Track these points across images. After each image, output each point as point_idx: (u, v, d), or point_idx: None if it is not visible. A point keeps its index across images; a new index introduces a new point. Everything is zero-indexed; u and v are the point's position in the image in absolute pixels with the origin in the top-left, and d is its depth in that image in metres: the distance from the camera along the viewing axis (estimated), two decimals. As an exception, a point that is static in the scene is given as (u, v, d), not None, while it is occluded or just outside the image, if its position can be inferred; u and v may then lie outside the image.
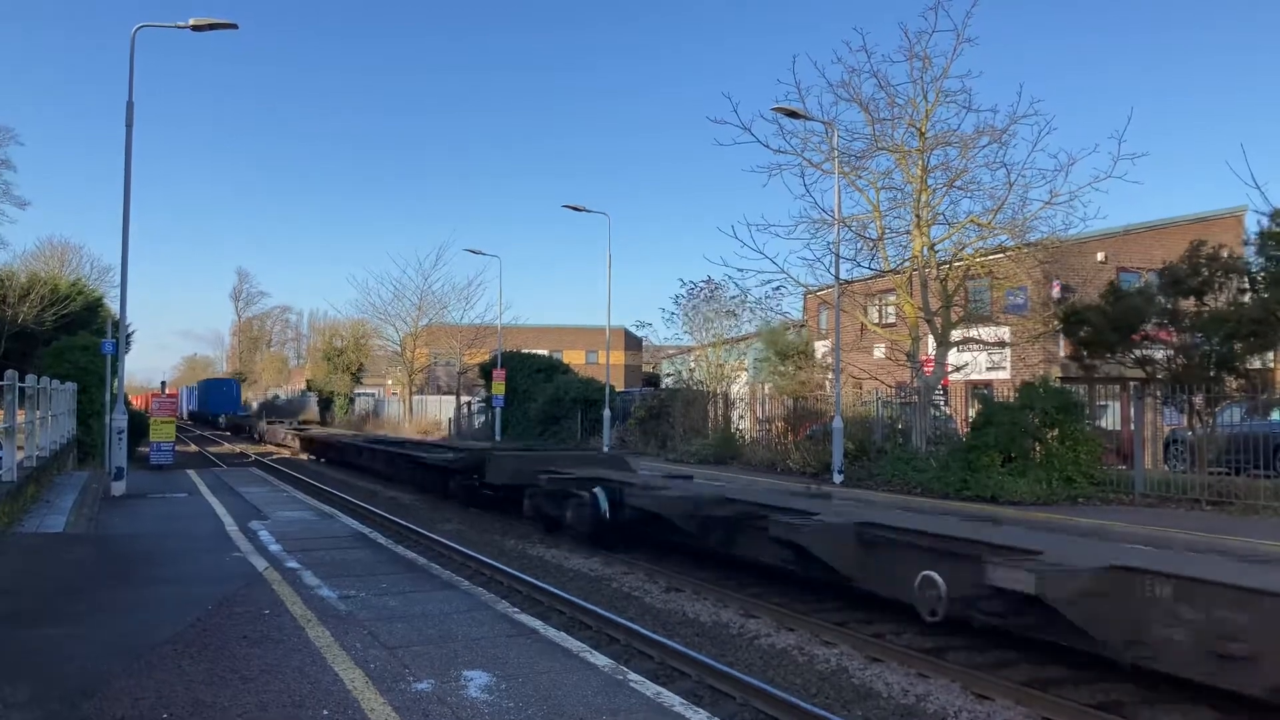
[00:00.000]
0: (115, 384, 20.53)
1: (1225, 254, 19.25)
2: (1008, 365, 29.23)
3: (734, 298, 32.84)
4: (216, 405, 70.31)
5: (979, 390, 26.82)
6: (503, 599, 9.05)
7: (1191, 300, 19.01)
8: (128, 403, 19.84)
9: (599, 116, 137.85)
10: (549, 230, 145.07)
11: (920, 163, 22.58)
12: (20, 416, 15.10)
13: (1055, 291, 28.41)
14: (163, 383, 42.04)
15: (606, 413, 33.91)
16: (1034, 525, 13.85)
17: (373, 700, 5.57)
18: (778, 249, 73.38)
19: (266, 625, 7.37)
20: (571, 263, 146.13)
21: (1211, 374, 18.68)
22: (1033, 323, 25.29)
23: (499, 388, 39.61)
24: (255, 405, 77.72)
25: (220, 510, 15.19)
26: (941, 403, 24.55)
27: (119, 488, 17.16)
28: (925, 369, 23.56)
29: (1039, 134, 22.58)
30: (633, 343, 61.51)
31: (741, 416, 32.25)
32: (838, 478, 21.54)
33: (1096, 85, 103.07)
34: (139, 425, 28.22)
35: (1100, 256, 31.04)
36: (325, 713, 5.35)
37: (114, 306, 40.46)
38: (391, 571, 9.99)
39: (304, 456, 37.03)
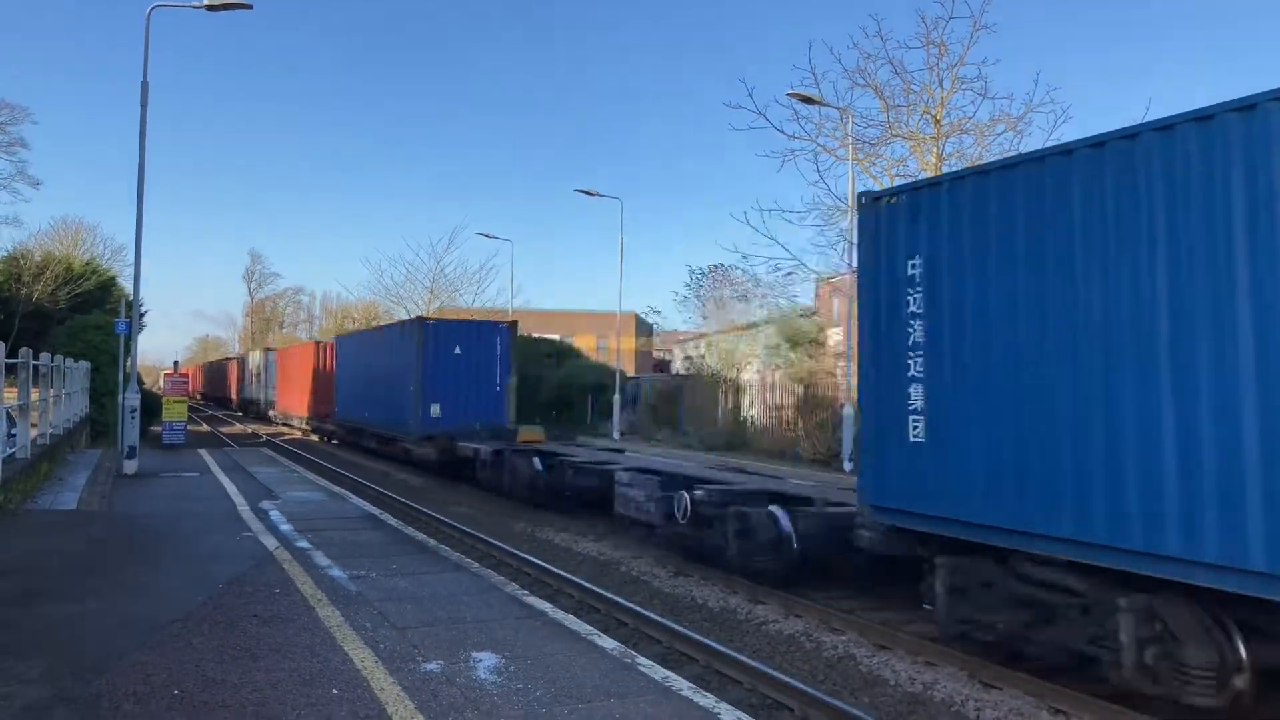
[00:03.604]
0: (128, 363, 20.63)
1: None
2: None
3: (744, 283, 32.81)
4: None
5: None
6: (512, 581, 9.08)
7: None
8: (141, 382, 19.94)
9: (613, 101, 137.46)
10: (562, 215, 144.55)
11: (935, 150, 22.47)
12: (34, 394, 15.20)
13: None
14: (175, 362, 42.24)
15: (616, 398, 33.96)
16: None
17: (382, 680, 5.60)
18: (790, 235, 72.98)
19: (277, 604, 7.42)
20: (584, 248, 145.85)
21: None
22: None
23: (510, 372, 39.63)
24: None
25: (231, 490, 15.27)
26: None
27: (131, 466, 17.27)
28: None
29: (1055, 122, 22.36)
30: (643, 328, 61.47)
31: (752, 403, 32.24)
32: (848, 465, 21.51)
33: (1113, 73, 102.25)
34: (152, 404, 28.40)
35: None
36: (334, 691, 5.39)
37: (127, 286, 40.65)
38: (402, 553, 10.03)
39: (315, 438, 37.18)
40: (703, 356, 35.65)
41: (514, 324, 24.21)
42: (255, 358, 55.31)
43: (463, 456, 20.32)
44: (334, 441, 34.16)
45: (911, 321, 8.22)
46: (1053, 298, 7.00)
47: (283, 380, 44.17)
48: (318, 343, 40.19)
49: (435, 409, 22.71)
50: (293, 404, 41.63)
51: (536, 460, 16.90)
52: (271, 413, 46.99)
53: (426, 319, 23.53)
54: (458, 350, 23.14)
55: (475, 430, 21.37)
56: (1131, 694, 7.10)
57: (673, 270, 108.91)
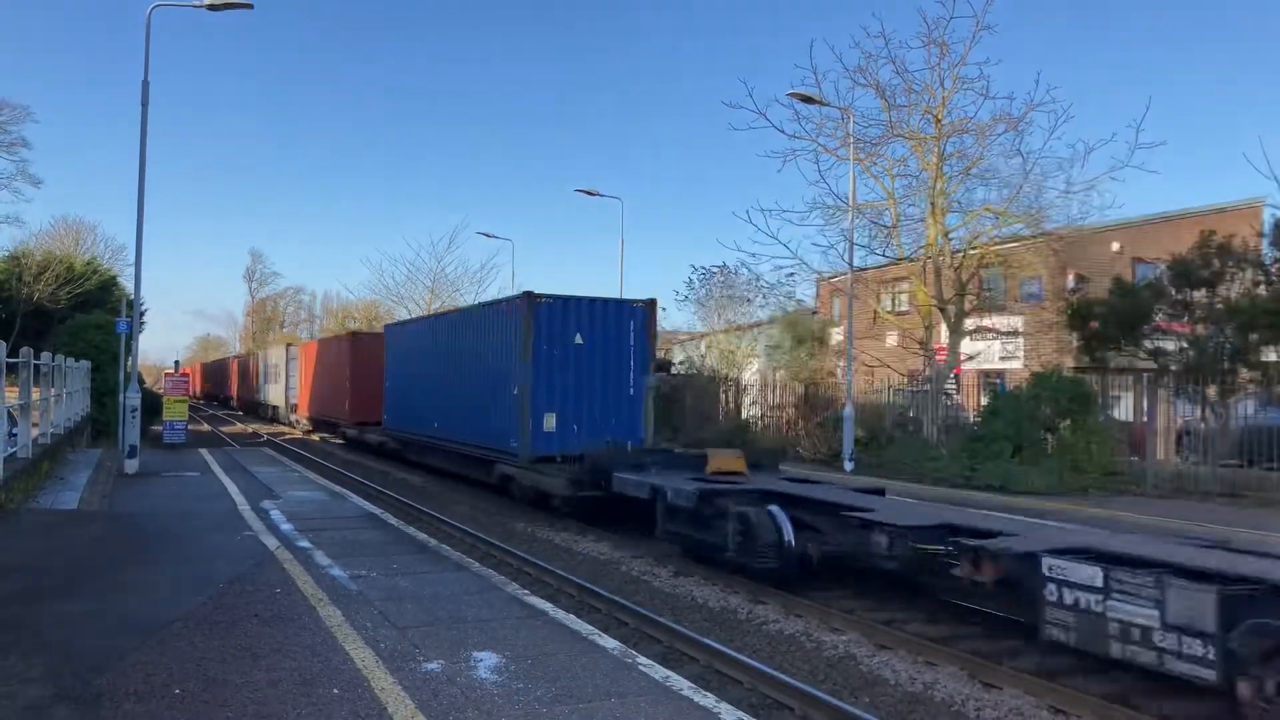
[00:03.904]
0: (129, 362, 20.64)
1: (1237, 244, 19.15)
2: (1021, 354, 29.13)
3: (746, 284, 32.84)
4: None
5: (991, 380, 26.73)
6: (513, 581, 9.08)
7: (1203, 292, 18.96)
8: (141, 381, 19.95)
9: (615, 100, 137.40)
10: (562, 215, 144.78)
11: (936, 150, 22.49)
12: (35, 394, 15.21)
13: (1070, 282, 28.28)
14: (176, 362, 42.28)
15: (617, 397, 33.90)
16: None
17: (383, 680, 5.60)
18: (791, 235, 72.93)
19: (278, 604, 7.42)
20: (584, 247, 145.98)
21: (1225, 366, 18.61)
22: (1046, 313, 25.19)
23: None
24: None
25: (232, 489, 15.28)
26: (953, 391, 24.50)
27: (132, 466, 17.27)
28: (938, 357, 23.54)
29: (1056, 122, 22.45)
30: (644, 328, 61.38)
31: (754, 403, 32.24)
32: (848, 465, 21.52)
33: (1115, 73, 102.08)
34: (153, 404, 28.43)
35: (1116, 247, 30.85)
36: (335, 691, 5.39)
37: (128, 285, 40.71)
38: (402, 552, 10.04)
39: (315, 437, 37.20)
40: (703, 356, 35.65)
41: (651, 303, 18.24)
42: (269, 354, 50.39)
43: (625, 495, 13.72)
44: (337, 440, 34.01)
45: None
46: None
47: (308, 380, 38.49)
48: (356, 334, 34.27)
49: (550, 420, 17.11)
50: (320, 407, 36.14)
51: (777, 512, 10.63)
52: (293, 417, 41.87)
53: (537, 295, 17.38)
54: (579, 339, 17.26)
55: (624, 452, 15.67)
56: (1131, 694, 7.11)
57: (673, 270, 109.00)
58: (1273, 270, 18.54)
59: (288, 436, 37.56)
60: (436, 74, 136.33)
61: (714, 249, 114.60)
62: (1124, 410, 23.29)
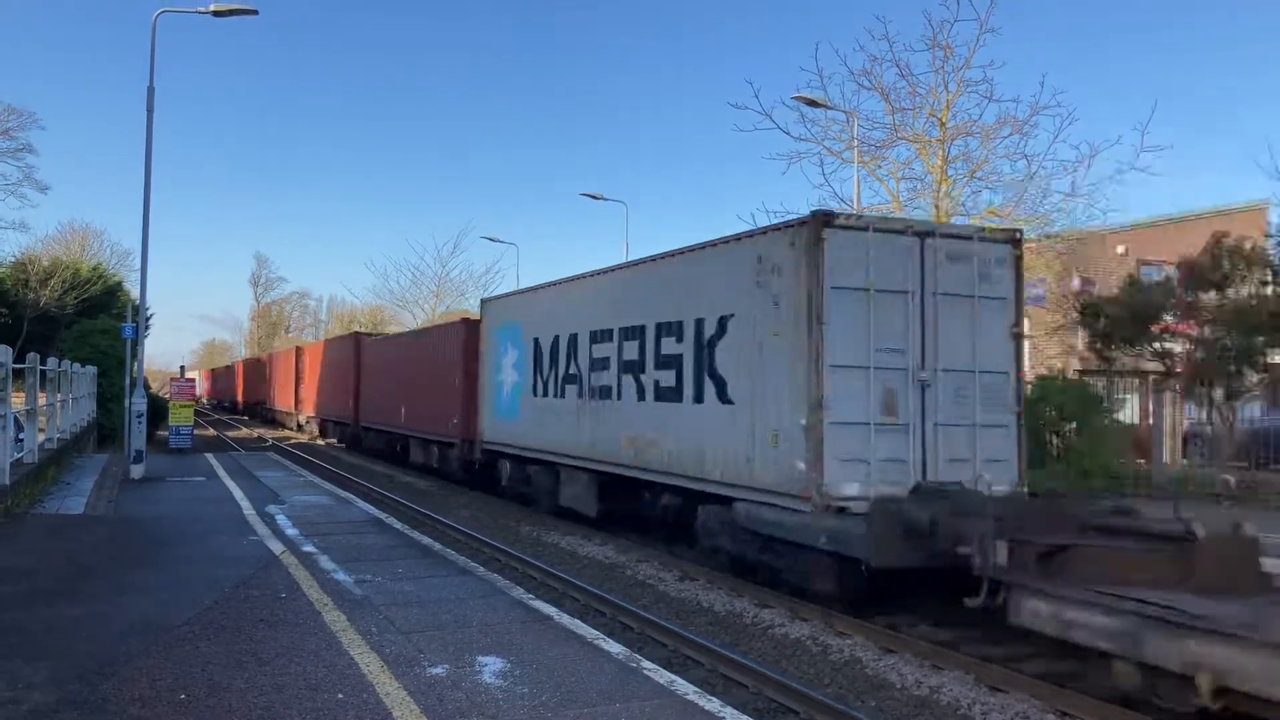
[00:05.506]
0: (135, 367, 20.68)
1: (1248, 246, 19.08)
2: (1025, 357, 28.75)
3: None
4: None
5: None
6: (517, 585, 9.08)
7: (1213, 293, 18.89)
8: (147, 386, 19.98)
9: (619, 103, 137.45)
10: (567, 219, 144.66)
11: (941, 153, 22.44)
12: (41, 399, 15.24)
13: (1075, 284, 28.20)
14: (181, 367, 42.31)
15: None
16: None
17: (388, 684, 5.60)
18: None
19: (283, 608, 7.42)
20: (589, 250, 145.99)
21: (1232, 368, 18.54)
22: (1051, 315, 25.12)
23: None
24: None
25: (238, 494, 15.29)
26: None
27: (138, 471, 17.30)
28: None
29: (1060, 125, 22.36)
30: (649, 331, 61.24)
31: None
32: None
33: (1120, 75, 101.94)
34: (158, 409, 28.47)
35: (1120, 249, 30.74)
36: (340, 696, 5.39)
37: (134, 290, 40.75)
38: (407, 557, 10.04)
39: (321, 442, 37.20)
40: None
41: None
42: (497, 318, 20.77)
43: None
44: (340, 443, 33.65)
45: None
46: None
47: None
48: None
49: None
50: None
51: None
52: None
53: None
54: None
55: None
56: (1137, 699, 7.08)
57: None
58: (1280, 270, 18.50)
59: (293, 441, 37.59)
60: (440, 79, 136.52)
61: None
62: (1130, 413, 23.23)
